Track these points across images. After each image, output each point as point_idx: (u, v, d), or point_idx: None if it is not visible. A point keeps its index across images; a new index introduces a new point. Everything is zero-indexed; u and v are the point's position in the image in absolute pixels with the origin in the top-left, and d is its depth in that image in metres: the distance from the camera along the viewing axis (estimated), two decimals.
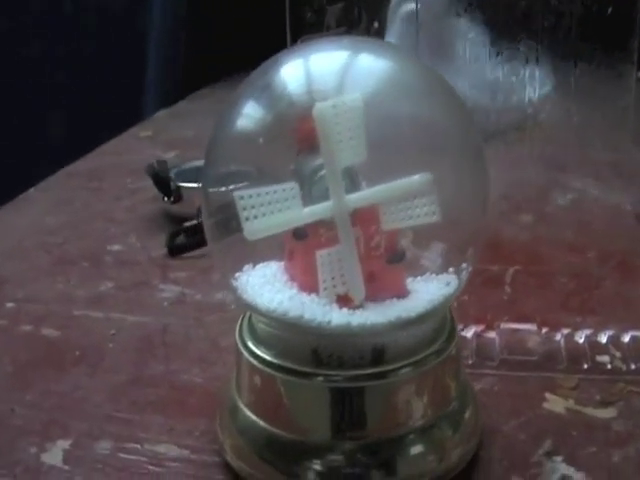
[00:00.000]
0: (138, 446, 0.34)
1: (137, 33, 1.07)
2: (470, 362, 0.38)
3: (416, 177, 0.28)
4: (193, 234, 0.54)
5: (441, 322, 0.32)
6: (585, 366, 0.38)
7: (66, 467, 0.33)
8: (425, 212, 0.28)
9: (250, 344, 0.31)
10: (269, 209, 0.28)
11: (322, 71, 0.30)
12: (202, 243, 0.52)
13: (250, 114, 0.30)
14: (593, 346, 0.39)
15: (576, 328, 0.39)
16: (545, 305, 0.40)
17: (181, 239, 0.55)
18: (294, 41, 0.37)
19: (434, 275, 0.31)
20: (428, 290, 0.30)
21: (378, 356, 0.29)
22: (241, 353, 0.31)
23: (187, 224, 0.55)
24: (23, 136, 1.01)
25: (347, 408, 0.29)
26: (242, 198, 0.27)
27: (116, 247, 0.56)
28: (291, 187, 0.28)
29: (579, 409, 0.35)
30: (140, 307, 0.47)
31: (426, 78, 0.31)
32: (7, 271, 0.52)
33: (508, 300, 0.41)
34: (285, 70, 0.30)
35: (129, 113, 0.98)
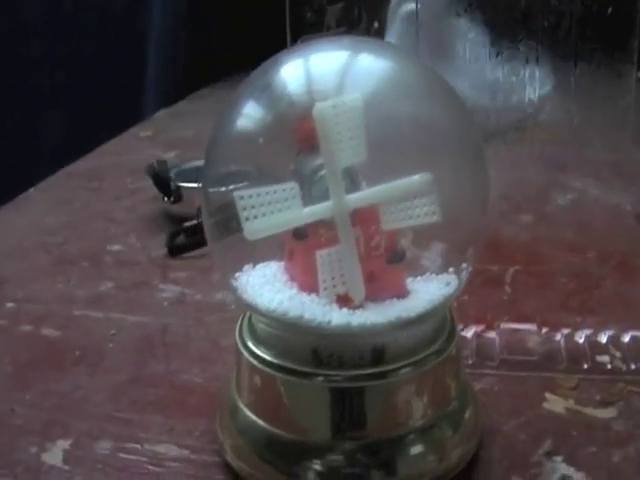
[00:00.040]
0: (138, 446, 0.34)
1: (137, 33, 1.07)
2: (470, 362, 0.38)
3: (416, 177, 0.28)
4: (193, 234, 0.54)
5: (441, 322, 0.32)
6: (585, 366, 0.38)
7: (66, 467, 0.33)
8: (425, 212, 0.28)
9: (250, 344, 0.31)
10: (269, 209, 0.28)
11: (322, 71, 0.30)
12: (202, 243, 0.52)
13: (250, 114, 0.30)
14: (593, 346, 0.39)
15: (576, 328, 0.39)
16: (545, 305, 0.40)
17: (181, 239, 0.55)
18: (294, 41, 0.37)
19: (434, 275, 0.31)
20: (428, 290, 0.30)
21: (378, 356, 0.29)
22: (241, 353, 0.31)
23: (187, 224, 0.55)
24: (23, 136, 1.01)
25: (347, 408, 0.29)
26: (242, 198, 0.27)
27: (116, 247, 0.56)
28: (291, 187, 0.28)
29: (579, 409, 0.35)
30: (140, 307, 0.47)
31: (426, 78, 0.31)
32: (7, 271, 0.52)
33: (508, 300, 0.41)
34: (285, 70, 0.30)
35: (129, 113, 0.98)
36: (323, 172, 0.28)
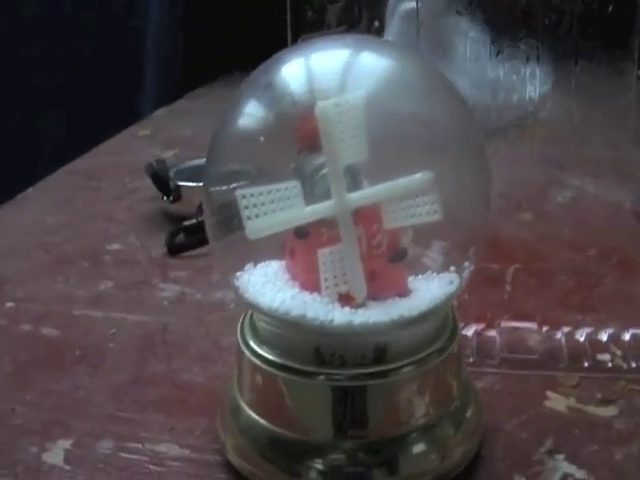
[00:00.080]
0: (139, 445, 0.34)
1: (136, 32, 1.06)
2: (471, 360, 0.38)
3: (418, 176, 0.28)
4: (193, 233, 0.54)
5: (443, 321, 0.32)
6: (586, 364, 0.38)
7: (67, 467, 0.33)
8: (427, 211, 0.28)
9: (252, 343, 0.31)
10: (271, 208, 0.28)
11: (324, 70, 0.30)
12: (202, 242, 0.52)
13: (252, 113, 0.30)
14: (594, 344, 0.39)
15: (576, 326, 0.39)
16: (545, 303, 0.40)
17: (181, 238, 0.55)
18: (294, 40, 0.37)
19: (435, 274, 0.31)
20: (430, 289, 0.30)
21: (380, 355, 0.29)
22: (243, 352, 0.31)
23: (187, 223, 0.55)
24: (23, 136, 1.01)
25: (349, 407, 0.29)
26: (244, 197, 0.27)
27: (116, 246, 0.56)
28: (293, 186, 0.28)
29: (580, 407, 0.35)
30: (140, 306, 0.47)
31: (428, 77, 0.31)
32: (7, 270, 0.52)
33: (508, 298, 0.41)
34: (287, 69, 0.30)
35: (128, 112, 0.98)
36: (325, 171, 0.28)
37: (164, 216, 0.60)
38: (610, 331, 0.39)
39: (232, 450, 0.32)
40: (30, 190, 0.69)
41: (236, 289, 0.31)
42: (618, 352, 0.38)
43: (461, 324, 0.37)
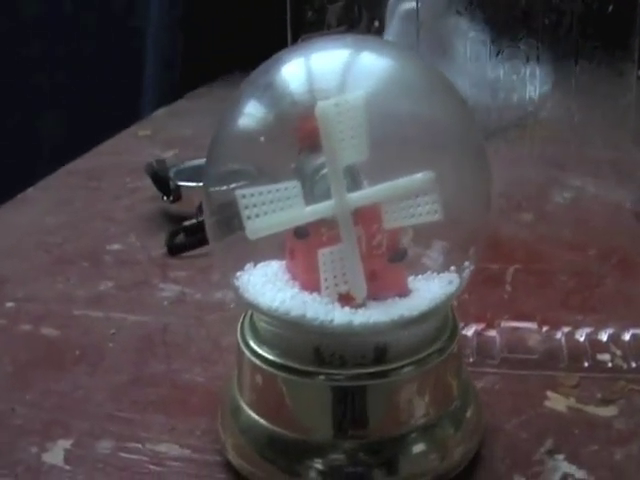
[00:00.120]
0: (139, 445, 0.34)
1: (136, 32, 1.06)
2: (471, 360, 0.38)
3: (418, 175, 0.28)
4: (193, 233, 0.54)
5: (443, 321, 0.32)
6: (586, 364, 0.38)
7: (67, 467, 0.33)
8: (427, 211, 0.28)
9: (252, 343, 0.31)
10: (271, 208, 0.28)
11: (324, 70, 0.30)
12: (202, 242, 0.52)
13: (252, 113, 0.30)
14: (594, 344, 0.39)
15: (577, 326, 0.39)
16: (545, 303, 0.40)
17: (181, 238, 0.55)
18: (294, 40, 0.37)
19: (436, 274, 0.31)
20: (430, 289, 0.30)
21: (380, 355, 0.29)
22: (243, 352, 0.31)
23: (187, 223, 0.55)
24: (23, 136, 1.01)
25: (349, 407, 0.29)
26: (244, 197, 0.27)
27: (116, 246, 0.56)
28: (293, 186, 0.28)
29: (580, 407, 0.35)
30: (140, 306, 0.47)
31: (428, 77, 0.31)
32: (7, 270, 0.52)
33: (508, 298, 0.41)
34: (287, 69, 0.30)
35: (129, 112, 0.98)
36: (325, 171, 0.28)
37: (164, 216, 0.60)
38: (610, 331, 0.39)
39: (232, 450, 0.32)
40: (30, 190, 0.69)
41: (236, 289, 0.31)
42: (618, 352, 0.38)
43: (461, 324, 0.37)
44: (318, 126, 0.27)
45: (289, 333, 0.30)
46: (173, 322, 0.45)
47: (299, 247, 0.30)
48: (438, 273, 0.31)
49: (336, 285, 0.29)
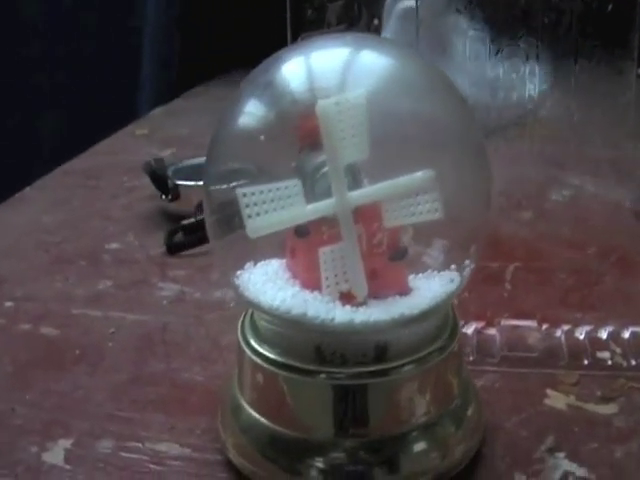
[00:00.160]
0: (139, 445, 0.34)
1: (136, 32, 1.06)
2: (471, 359, 0.38)
3: (418, 174, 0.28)
4: (191, 232, 0.54)
5: (443, 319, 0.32)
6: (586, 362, 0.38)
7: (67, 466, 0.33)
8: (428, 209, 0.28)
9: (252, 342, 0.31)
10: (272, 206, 0.28)
11: (324, 68, 0.30)
12: (201, 241, 0.52)
13: (252, 112, 0.30)
14: (593, 342, 0.39)
15: (576, 324, 0.39)
16: (545, 301, 0.41)
17: (179, 237, 0.55)
18: (294, 39, 0.37)
19: (436, 272, 0.31)
20: (430, 287, 0.30)
21: (381, 353, 0.29)
22: (243, 351, 0.31)
23: (185, 222, 0.55)
24: (23, 136, 1.01)
25: (350, 406, 0.29)
26: (245, 195, 0.27)
27: (114, 245, 0.56)
28: (294, 184, 0.28)
29: (580, 405, 0.35)
30: (139, 305, 0.47)
31: (428, 75, 0.31)
32: (5, 270, 0.52)
33: (508, 297, 0.41)
34: (287, 67, 0.30)
35: (127, 112, 0.98)
36: (325, 169, 0.28)
37: (162, 215, 0.60)
38: (610, 329, 0.39)
39: (233, 449, 0.32)
40: (27, 189, 0.69)
41: (236, 288, 0.31)
42: (618, 350, 0.38)
43: (461, 322, 0.37)
44: (319, 125, 0.27)
45: (290, 332, 0.30)
46: (172, 321, 0.45)
47: (300, 246, 0.30)
48: (439, 271, 0.31)
49: (337, 284, 0.29)
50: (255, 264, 0.32)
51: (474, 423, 0.32)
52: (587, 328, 0.39)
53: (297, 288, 0.30)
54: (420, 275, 0.31)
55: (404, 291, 0.30)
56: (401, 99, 0.30)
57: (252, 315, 0.32)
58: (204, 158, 0.32)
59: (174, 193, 0.58)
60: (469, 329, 0.39)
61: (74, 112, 1.03)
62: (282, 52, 0.31)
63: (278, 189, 0.28)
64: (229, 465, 0.32)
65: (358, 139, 0.27)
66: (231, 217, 0.29)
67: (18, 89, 0.99)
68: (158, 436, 0.35)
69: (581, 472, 0.31)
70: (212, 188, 0.31)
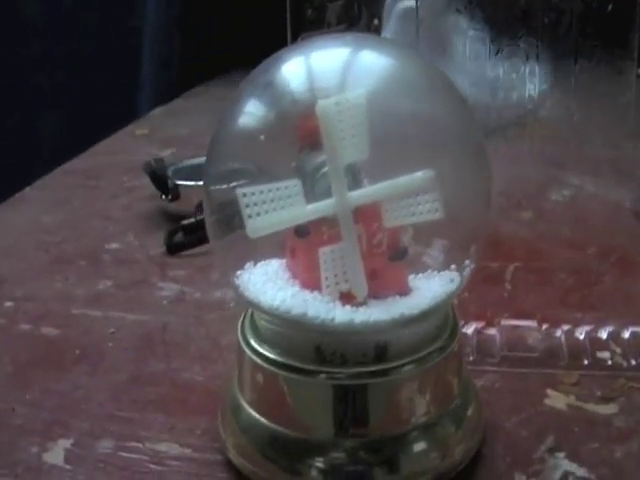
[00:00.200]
0: (139, 445, 0.34)
1: (135, 32, 1.06)
2: (471, 359, 0.38)
3: (419, 174, 0.28)
4: (191, 232, 0.54)
5: (443, 319, 0.32)
6: (586, 362, 0.38)
7: (68, 466, 0.33)
8: (428, 209, 0.28)
9: (252, 342, 0.31)
10: (272, 206, 0.28)
11: (324, 68, 0.30)
12: (201, 241, 0.52)
13: (252, 112, 0.30)
14: (593, 342, 0.39)
15: (576, 324, 0.39)
16: (545, 301, 0.41)
17: (179, 237, 0.55)
18: (294, 39, 0.37)
19: (436, 272, 0.31)
20: (430, 287, 0.30)
21: (381, 353, 0.29)
22: (243, 351, 0.31)
23: (185, 222, 0.55)
24: (23, 136, 1.01)
25: (350, 405, 0.29)
26: (245, 195, 0.27)
27: (114, 245, 0.56)
28: (294, 184, 0.28)
29: (580, 405, 0.35)
30: (139, 305, 0.47)
31: (428, 75, 0.31)
32: (5, 270, 0.52)
33: (508, 297, 0.41)
34: (287, 67, 0.30)
35: (127, 112, 0.98)
36: (325, 169, 0.28)
37: (162, 215, 0.60)
38: (610, 329, 0.39)
39: (233, 449, 0.32)
40: (27, 189, 0.69)
41: (236, 288, 0.31)
42: (618, 350, 0.38)
43: (461, 322, 0.37)
44: (319, 125, 0.27)
45: (290, 332, 0.30)
46: (172, 321, 0.45)
47: (300, 246, 0.30)
48: (439, 271, 0.31)
49: (337, 284, 0.29)
50: (255, 264, 0.32)
51: (474, 423, 0.32)
52: (587, 328, 0.39)
53: (297, 288, 0.30)
54: (420, 275, 0.31)
55: (404, 291, 0.30)
56: (401, 99, 0.30)
57: (252, 315, 0.32)
58: (204, 158, 0.32)
59: (174, 193, 0.58)
60: (469, 329, 0.39)
61: (74, 112, 1.03)
62: (282, 52, 0.31)
63: (278, 189, 0.28)
64: (229, 465, 0.32)
65: (358, 139, 0.28)
66: (231, 217, 0.29)
67: (18, 89, 0.99)
68: (158, 436, 0.35)
69: (581, 472, 0.31)
70: (212, 188, 0.31)
